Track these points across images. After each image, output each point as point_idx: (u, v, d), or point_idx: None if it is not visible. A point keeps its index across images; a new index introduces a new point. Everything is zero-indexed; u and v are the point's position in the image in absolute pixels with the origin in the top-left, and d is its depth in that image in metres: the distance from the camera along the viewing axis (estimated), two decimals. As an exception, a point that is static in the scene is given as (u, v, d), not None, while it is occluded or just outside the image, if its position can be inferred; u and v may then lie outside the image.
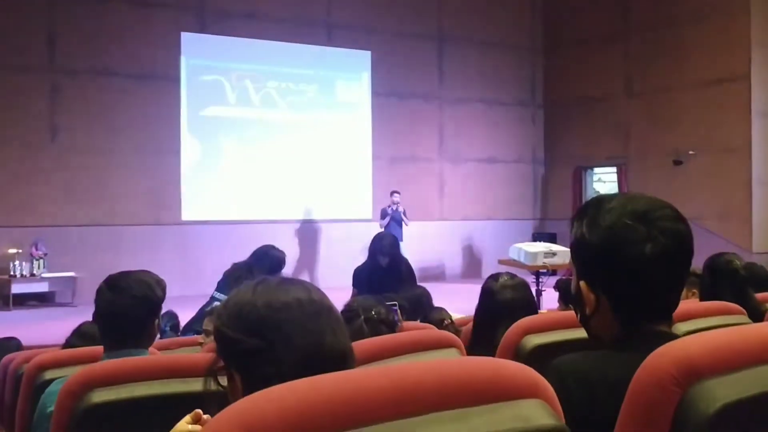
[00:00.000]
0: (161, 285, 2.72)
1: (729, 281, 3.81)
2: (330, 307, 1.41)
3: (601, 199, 1.60)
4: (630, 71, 15.16)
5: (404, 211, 13.12)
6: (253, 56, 13.71)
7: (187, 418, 1.55)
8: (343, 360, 1.35)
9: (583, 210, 1.60)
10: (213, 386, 1.44)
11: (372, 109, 14.78)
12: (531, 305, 3.38)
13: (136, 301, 2.61)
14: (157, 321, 2.72)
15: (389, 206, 13.13)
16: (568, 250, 1.65)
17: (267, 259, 6.30)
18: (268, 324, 1.34)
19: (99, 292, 2.69)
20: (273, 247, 6.50)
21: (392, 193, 13.31)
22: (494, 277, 3.43)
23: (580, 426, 1.25)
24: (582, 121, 15.96)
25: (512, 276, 3.43)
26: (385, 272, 6.66)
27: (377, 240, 6.99)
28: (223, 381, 1.42)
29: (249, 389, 1.25)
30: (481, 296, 3.39)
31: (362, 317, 2.73)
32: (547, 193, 16.83)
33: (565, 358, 1.53)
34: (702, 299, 3.78)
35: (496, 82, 16.07)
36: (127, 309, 2.61)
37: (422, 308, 5.33)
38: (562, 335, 2.43)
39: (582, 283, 1.59)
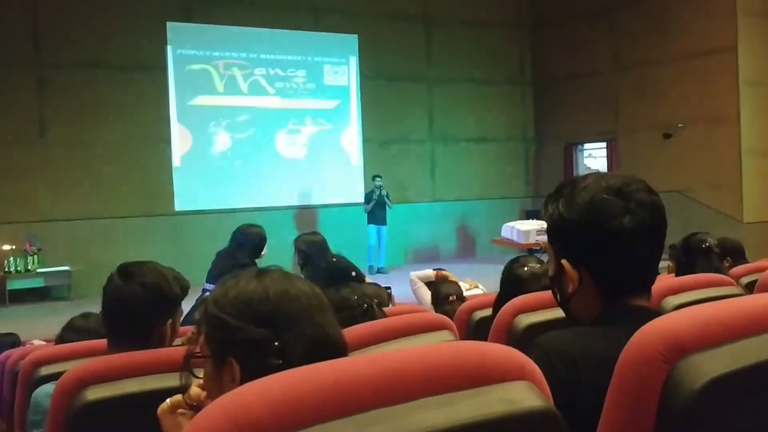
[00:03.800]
0: (181, 283, 2.40)
1: (705, 260, 3.91)
2: (327, 301, 1.45)
3: (575, 180, 1.64)
4: (617, 46, 15.12)
5: (387, 194, 13.25)
6: (239, 44, 13.64)
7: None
8: (343, 351, 1.39)
9: (558, 191, 1.64)
10: (189, 380, 1.46)
11: (360, 92, 14.74)
12: None
13: (146, 290, 2.29)
14: (170, 321, 2.37)
15: (373, 190, 13.24)
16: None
17: (248, 239, 6.13)
18: (281, 315, 1.35)
19: (109, 278, 2.39)
20: (250, 225, 6.28)
21: (374, 177, 13.40)
22: (520, 263, 3.13)
23: (568, 404, 1.26)
24: (571, 97, 15.94)
25: (538, 260, 3.15)
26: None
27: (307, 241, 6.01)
28: (199, 373, 1.43)
29: (249, 379, 1.26)
30: (505, 283, 3.11)
31: (365, 305, 2.70)
32: (538, 170, 16.82)
33: (549, 336, 1.53)
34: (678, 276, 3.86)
35: (484, 61, 16.02)
36: (135, 298, 2.29)
37: None
38: (553, 314, 2.43)
39: (564, 261, 1.61)
